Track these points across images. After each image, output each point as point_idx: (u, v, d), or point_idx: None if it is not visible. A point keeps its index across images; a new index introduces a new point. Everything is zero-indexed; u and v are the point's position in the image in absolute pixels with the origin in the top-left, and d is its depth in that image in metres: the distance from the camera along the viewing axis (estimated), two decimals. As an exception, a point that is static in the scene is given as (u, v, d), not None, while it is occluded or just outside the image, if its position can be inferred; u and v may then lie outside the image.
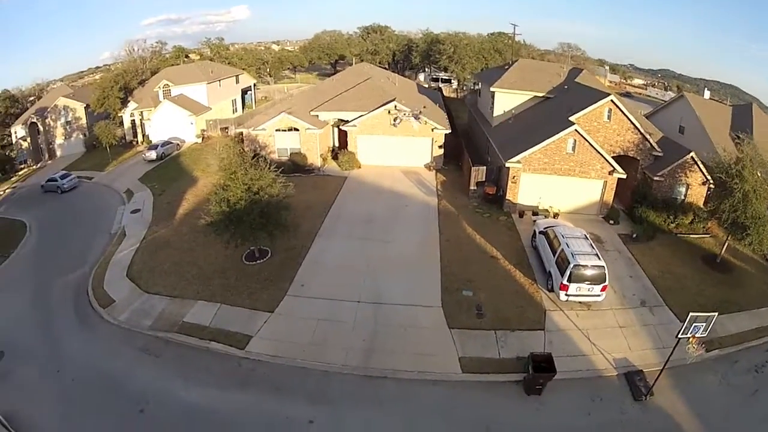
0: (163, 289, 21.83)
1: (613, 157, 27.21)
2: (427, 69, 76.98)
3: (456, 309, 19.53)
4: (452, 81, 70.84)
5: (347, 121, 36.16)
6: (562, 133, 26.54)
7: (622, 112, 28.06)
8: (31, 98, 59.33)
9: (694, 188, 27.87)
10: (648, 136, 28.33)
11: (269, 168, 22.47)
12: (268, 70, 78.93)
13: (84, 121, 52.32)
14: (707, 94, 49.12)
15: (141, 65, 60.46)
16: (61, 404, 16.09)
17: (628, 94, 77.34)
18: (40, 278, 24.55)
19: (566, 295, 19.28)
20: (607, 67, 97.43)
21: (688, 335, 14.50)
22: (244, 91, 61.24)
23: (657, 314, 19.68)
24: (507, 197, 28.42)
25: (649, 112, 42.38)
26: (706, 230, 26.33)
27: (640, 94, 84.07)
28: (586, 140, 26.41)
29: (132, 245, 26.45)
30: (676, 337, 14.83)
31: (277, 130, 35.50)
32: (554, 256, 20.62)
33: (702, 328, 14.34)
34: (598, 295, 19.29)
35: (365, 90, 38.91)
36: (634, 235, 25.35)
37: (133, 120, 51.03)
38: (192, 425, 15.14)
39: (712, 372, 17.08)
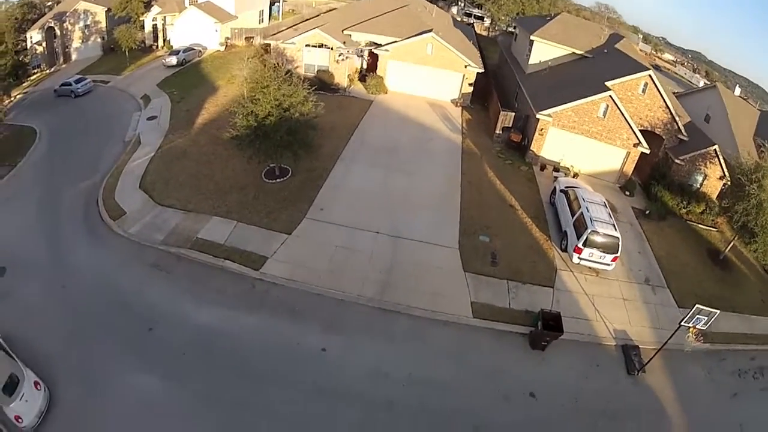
0: (177, 202, 21.13)
1: (640, 131, 27.09)
2: (461, 2, 73.46)
3: (472, 253, 19.91)
4: (485, 19, 68.07)
5: (380, 45, 35.00)
6: (596, 96, 26.25)
7: (658, 89, 27.57)
8: (49, 3, 55.53)
9: (711, 180, 28.06)
10: (677, 118, 28.09)
11: (302, 85, 21.80)
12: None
13: (103, 24, 49.66)
14: (738, 90, 47.90)
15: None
16: (65, 324, 15.33)
17: (657, 67, 74.96)
18: (48, 188, 23.33)
19: (579, 258, 19.90)
20: (641, 36, 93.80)
21: (690, 324, 15.22)
22: (273, 2, 58.14)
23: (658, 294, 20.33)
24: (531, 148, 28.40)
25: (678, 93, 41.59)
26: (714, 224, 26.71)
27: (669, 70, 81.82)
28: (618, 108, 26.20)
29: (146, 154, 25.42)
30: (680, 323, 15.50)
31: (306, 45, 34.26)
32: (572, 217, 21.02)
33: (703, 321, 15.08)
34: (609, 265, 19.90)
35: (400, 17, 37.42)
36: (647, 212, 25.78)
37: (155, 24, 48.54)
38: (202, 346, 14.82)
39: (701, 365, 17.60)
